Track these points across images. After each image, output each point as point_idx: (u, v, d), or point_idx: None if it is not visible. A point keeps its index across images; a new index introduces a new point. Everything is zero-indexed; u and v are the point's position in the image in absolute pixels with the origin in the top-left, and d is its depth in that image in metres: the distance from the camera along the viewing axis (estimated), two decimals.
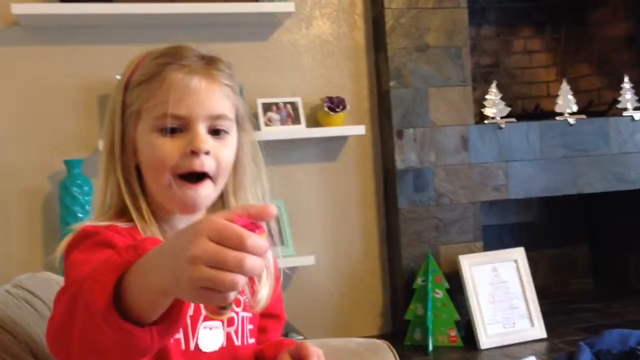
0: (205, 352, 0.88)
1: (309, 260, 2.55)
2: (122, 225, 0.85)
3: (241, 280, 0.55)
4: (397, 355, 1.39)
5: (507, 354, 2.38)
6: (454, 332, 2.55)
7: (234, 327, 0.92)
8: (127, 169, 0.88)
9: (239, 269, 0.54)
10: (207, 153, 0.85)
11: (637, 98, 2.95)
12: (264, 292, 0.93)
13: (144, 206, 0.88)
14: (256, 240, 0.55)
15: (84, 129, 2.44)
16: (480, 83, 3.13)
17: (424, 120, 2.71)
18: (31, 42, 2.42)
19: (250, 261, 0.55)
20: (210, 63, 0.90)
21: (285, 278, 1.04)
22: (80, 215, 2.24)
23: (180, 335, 0.85)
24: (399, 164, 2.67)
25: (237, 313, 0.93)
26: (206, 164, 0.85)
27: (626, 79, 2.92)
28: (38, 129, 2.42)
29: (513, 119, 2.81)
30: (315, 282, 2.67)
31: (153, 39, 0.94)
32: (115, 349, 0.63)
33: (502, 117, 2.79)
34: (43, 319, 1.01)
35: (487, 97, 2.82)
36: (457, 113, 2.74)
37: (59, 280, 1.15)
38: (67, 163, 2.32)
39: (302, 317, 2.54)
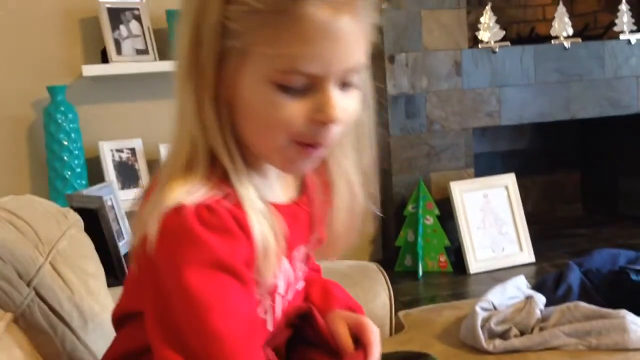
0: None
1: None
2: (219, 194, 0.66)
3: None
4: (387, 277, 1.40)
5: (496, 278, 2.40)
6: (443, 258, 2.57)
7: None
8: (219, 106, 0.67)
9: None
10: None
11: (633, 21, 2.88)
12: None
13: (235, 151, 0.67)
14: None
15: (66, 55, 2.36)
16: (474, 6, 3.04)
17: (416, 45, 2.64)
18: None
19: None
20: None
21: None
22: (65, 143, 2.20)
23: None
24: (391, 90, 2.62)
25: None
26: (333, 134, 0.67)
27: (623, 2, 2.85)
28: (19, 55, 2.34)
29: (507, 43, 2.75)
30: None
31: None
32: None
33: (496, 41, 2.73)
34: (27, 239, 0.99)
35: (481, 20, 2.75)
36: (451, 37, 2.67)
37: (42, 202, 1.12)
38: (51, 90, 2.25)
39: None
